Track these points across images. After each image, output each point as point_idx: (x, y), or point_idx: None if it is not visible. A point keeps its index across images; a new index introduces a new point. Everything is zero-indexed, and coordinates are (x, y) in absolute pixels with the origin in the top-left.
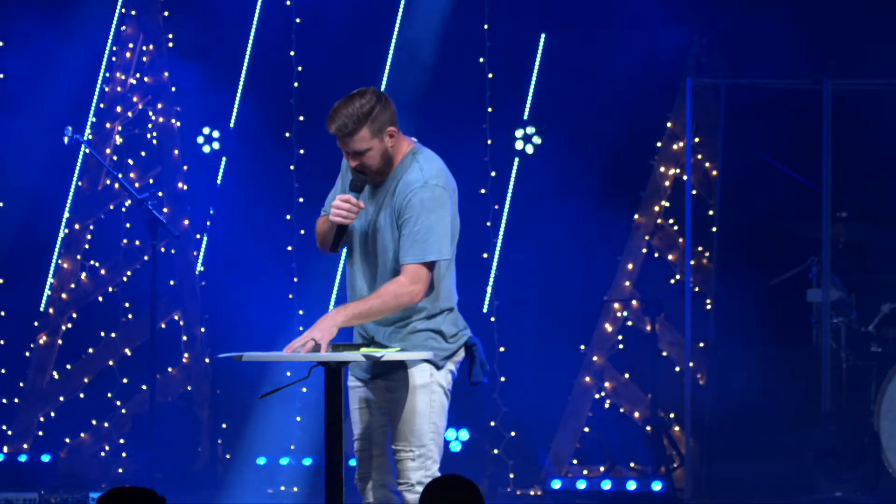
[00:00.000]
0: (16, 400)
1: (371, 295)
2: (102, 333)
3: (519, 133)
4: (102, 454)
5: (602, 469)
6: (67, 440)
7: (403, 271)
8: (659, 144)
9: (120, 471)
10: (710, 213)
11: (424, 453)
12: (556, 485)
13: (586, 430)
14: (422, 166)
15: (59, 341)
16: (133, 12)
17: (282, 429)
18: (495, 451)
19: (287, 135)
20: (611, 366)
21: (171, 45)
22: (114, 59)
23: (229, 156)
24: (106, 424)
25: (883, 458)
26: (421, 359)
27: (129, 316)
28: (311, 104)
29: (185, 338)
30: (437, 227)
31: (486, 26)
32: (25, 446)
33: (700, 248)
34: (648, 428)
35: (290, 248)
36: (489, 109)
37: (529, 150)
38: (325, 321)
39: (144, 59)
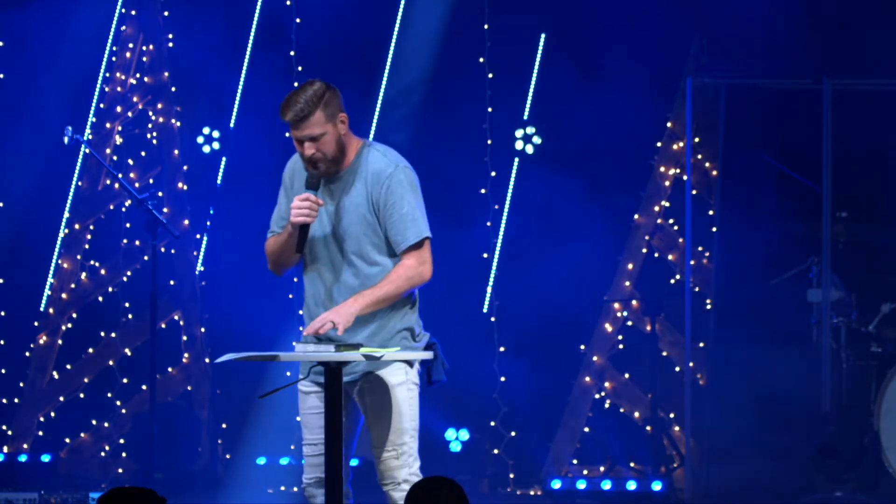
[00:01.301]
0: (16, 400)
1: (383, 281)
2: (102, 333)
3: (519, 133)
4: (102, 454)
5: (602, 469)
6: (67, 440)
7: (407, 255)
8: (659, 144)
9: (120, 471)
10: (710, 213)
11: (406, 451)
12: (556, 485)
13: (586, 430)
14: (384, 154)
15: (59, 341)
16: (133, 12)
17: (282, 429)
18: (495, 451)
19: (287, 135)
20: (611, 366)
21: (171, 45)
22: (114, 59)
23: (229, 156)
24: (106, 424)
25: (883, 458)
26: (411, 359)
27: (129, 316)
28: None
29: (185, 338)
30: (420, 205)
31: (486, 26)
32: (25, 446)
33: (700, 248)
34: (648, 428)
35: None
36: (489, 109)
37: (529, 150)
38: (343, 308)
39: (144, 59)
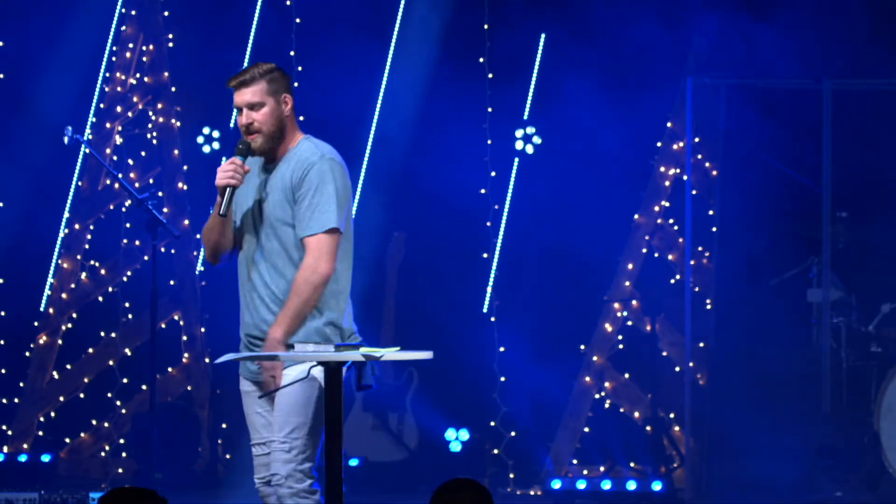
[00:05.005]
0: (16, 400)
1: (289, 297)
2: (102, 333)
3: (519, 133)
4: (102, 454)
5: (602, 469)
6: (67, 440)
7: (306, 247)
8: (659, 144)
9: (120, 471)
10: (710, 213)
11: (297, 447)
12: (556, 485)
13: (586, 430)
14: (316, 145)
15: (59, 341)
16: (133, 12)
17: None
18: (495, 451)
19: None
20: (611, 366)
21: (171, 45)
22: (114, 59)
23: (229, 156)
24: (106, 424)
25: (883, 458)
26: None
27: (129, 316)
28: (311, 104)
29: (185, 338)
30: (334, 198)
31: (486, 26)
32: (25, 446)
33: (700, 248)
34: (648, 428)
35: None
36: (489, 109)
37: (529, 150)
38: (270, 346)
39: (144, 59)
